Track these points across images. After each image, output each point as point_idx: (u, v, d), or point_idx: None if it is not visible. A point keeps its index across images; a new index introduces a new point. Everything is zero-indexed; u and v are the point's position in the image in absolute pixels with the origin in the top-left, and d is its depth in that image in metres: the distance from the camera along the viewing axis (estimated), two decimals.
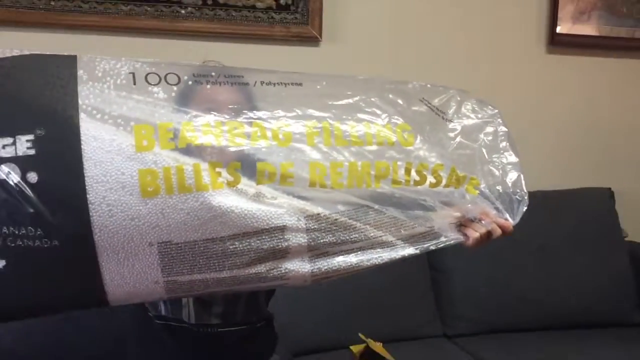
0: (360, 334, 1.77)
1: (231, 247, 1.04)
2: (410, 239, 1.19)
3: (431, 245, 1.22)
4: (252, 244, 1.05)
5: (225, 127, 1.06)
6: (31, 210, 0.94)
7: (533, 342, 2.11)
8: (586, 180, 2.50)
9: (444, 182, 1.20)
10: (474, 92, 2.50)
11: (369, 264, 1.14)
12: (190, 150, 1.02)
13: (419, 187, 1.18)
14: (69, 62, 1.04)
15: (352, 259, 1.13)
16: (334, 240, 1.10)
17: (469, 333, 2.19)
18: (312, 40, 2.29)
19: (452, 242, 1.25)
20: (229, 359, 1.47)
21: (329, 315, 2.06)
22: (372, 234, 1.14)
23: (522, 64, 2.55)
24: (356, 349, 1.75)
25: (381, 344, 1.75)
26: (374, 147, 1.14)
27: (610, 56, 2.63)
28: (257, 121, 1.09)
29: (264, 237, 1.06)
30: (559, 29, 2.54)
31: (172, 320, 1.40)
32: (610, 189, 2.46)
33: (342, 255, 1.12)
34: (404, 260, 1.19)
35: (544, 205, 2.36)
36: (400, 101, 1.23)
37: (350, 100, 1.18)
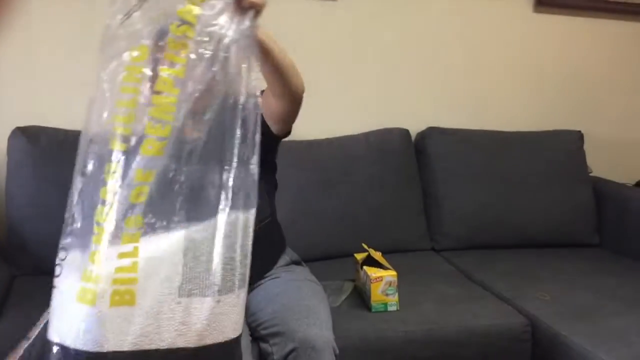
0: (363, 244, 1.80)
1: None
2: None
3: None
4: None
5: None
6: None
7: (507, 257, 2.13)
8: (560, 123, 2.47)
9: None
10: (468, 44, 2.48)
11: None
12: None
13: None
14: None
15: None
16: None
17: (453, 248, 2.22)
18: None
19: (249, 25, 1.07)
20: None
21: (338, 230, 2.09)
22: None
23: (511, 21, 2.49)
24: (359, 256, 1.77)
25: (380, 253, 1.78)
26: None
27: (589, 16, 2.56)
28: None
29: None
30: None
31: None
32: (580, 131, 2.44)
33: None
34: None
35: (523, 144, 2.36)
36: None
37: None
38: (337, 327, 1.41)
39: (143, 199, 0.96)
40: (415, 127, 2.35)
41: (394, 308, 1.65)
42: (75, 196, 0.98)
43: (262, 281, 1.52)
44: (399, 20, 2.36)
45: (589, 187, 2.35)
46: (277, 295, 1.45)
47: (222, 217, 1.00)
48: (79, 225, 0.98)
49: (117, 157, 0.96)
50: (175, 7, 1.02)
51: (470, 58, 2.47)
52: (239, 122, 1.03)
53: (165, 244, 0.98)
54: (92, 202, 0.96)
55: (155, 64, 1.02)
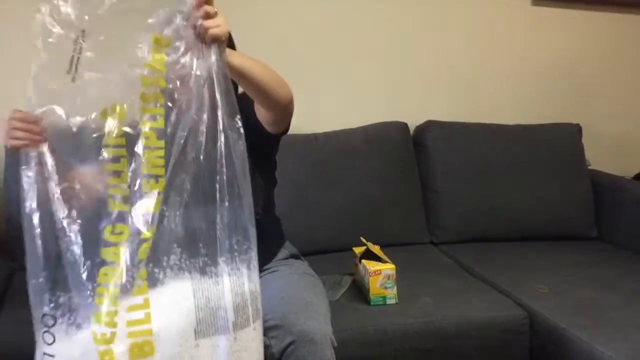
0: (362, 238, 1.79)
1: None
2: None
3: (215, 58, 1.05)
4: None
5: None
6: None
7: (505, 250, 2.14)
8: (558, 116, 2.47)
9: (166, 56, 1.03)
10: (467, 38, 2.47)
11: None
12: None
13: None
14: None
15: None
16: None
17: (452, 241, 2.22)
18: None
19: (217, 58, 1.06)
20: None
21: (337, 223, 2.09)
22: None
23: (509, 14, 2.49)
24: (358, 250, 1.77)
25: (379, 247, 1.78)
26: None
27: (588, 9, 2.56)
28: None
29: None
30: None
31: None
32: (578, 124, 2.43)
33: None
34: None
35: (522, 137, 2.36)
36: None
37: None
38: (336, 320, 1.41)
39: (147, 253, 0.98)
40: (413, 121, 2.35)
41: (392, 301, 1.65)
42: (42, 260, 0.98)
43: (261, 274, 1.52)
44: (397, 14, 2.36)
45: (587, 180, 2.35)
46: (275, 288, 1.45)
47: (225, 270, 1.03)
48: (67, 288, 0.97)
49: (122, 216, 0.98)
50: (134, 56, 1.01)
51: (469, 51, 2.47)
52: (225, 156, 1.04)
53: (175, 291, 0.99)
54: (82, 263, 0.97)
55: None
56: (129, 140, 1.00)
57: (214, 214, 1.02)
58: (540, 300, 1.70)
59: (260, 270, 1.52)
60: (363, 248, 1.76)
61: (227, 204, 1.03)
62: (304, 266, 1.60)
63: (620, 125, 2.69)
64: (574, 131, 2.42)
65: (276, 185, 1.62)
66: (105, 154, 0.99)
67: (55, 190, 1.01)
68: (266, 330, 1.37)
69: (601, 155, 2.51)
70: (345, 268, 1.84)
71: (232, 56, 1.12)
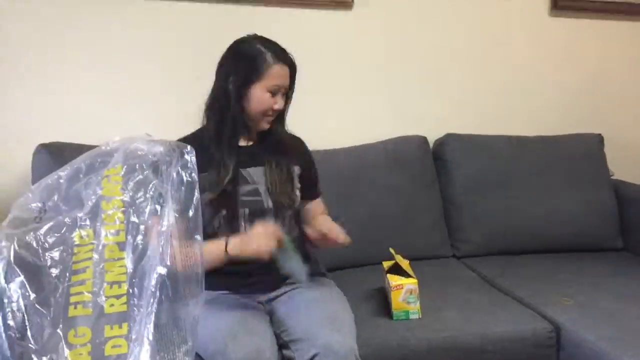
0: (390, 249, 1.76)
1: None
2: None
3: None
4: None
5: None
6: None
7: (528, 262, 2.12)
8: (580, 127, 2.45)
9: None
10: (485, 50, 2.47)
11: None
12: None
13: None
14: None
15: None
16: None
17: (474, 254, 2.21)
18: (346, 5, 2.26)
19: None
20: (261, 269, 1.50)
21: (358, 239, 2.05)
22: None
23: (527, 26, 2.49)
24: (386, 264, 1.75)
25: (408, 261, 1.75)
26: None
27: (606, 19, 2.54)
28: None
29: None
30: None
31: None
32: (600, 134, 2.41)
33: None
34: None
35: (543, 148, 2.35)
36: None
37: None
38: (359, 335, 1.41)
39: (123, 350, 1.07)
40: (433, 134, 2.35)
41: (415, 316, 1.64)
42: None
43: (287, 289, 1.53)
44: (414, 27, 2.37)
45: (610, 190, 2.32)
46: (301, 301, 1.46)
47: None
48: None
49: (84, 321, 1.09)
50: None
51: (487, 63, 2.47)
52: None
53: None
54: None
55: None
56: (95, 254, 1.14)
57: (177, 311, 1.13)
58: (566, 313, 1.68)
59: (286, 285, 1.53)
60: (391, 262, 1.74)
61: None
62: (330, 283, 1.60)
63: None
64: (596, 141, 2.40)
65: None
66: (74, 267, 1.12)
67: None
68: (290, 343, 1.37)
69: (624, 165, 2.48)
70: (370, 283, 1.84)
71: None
